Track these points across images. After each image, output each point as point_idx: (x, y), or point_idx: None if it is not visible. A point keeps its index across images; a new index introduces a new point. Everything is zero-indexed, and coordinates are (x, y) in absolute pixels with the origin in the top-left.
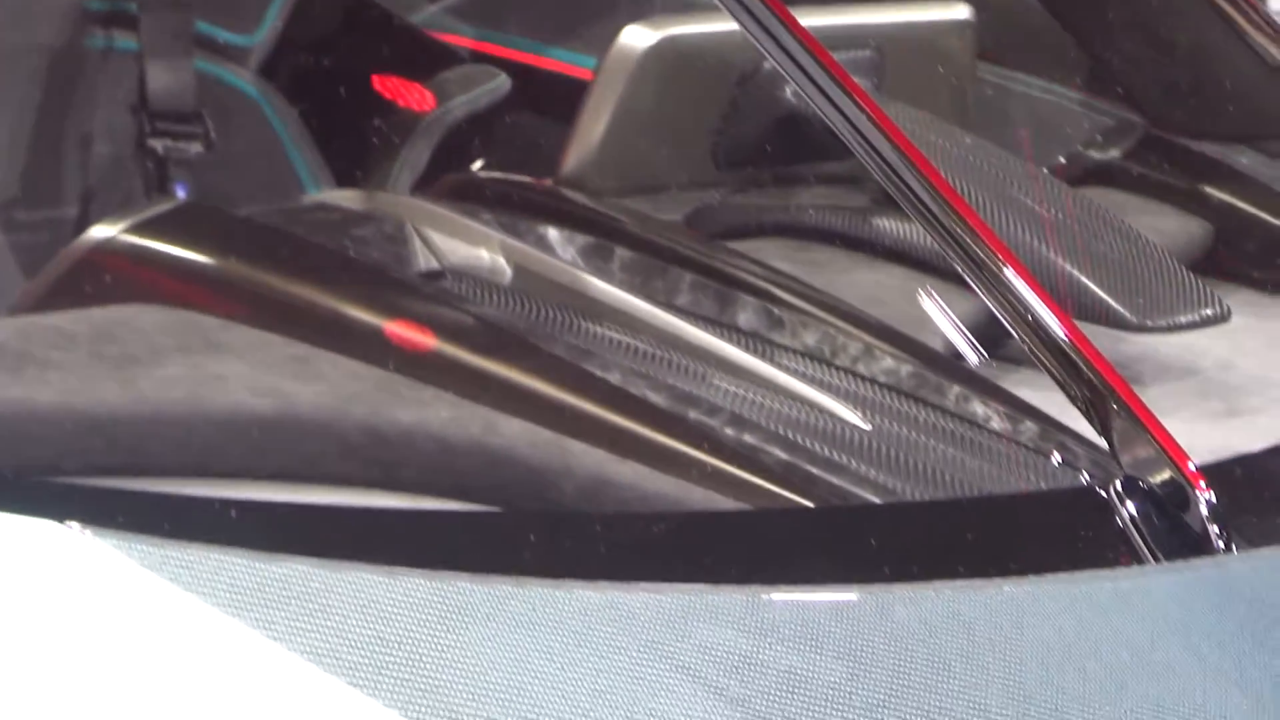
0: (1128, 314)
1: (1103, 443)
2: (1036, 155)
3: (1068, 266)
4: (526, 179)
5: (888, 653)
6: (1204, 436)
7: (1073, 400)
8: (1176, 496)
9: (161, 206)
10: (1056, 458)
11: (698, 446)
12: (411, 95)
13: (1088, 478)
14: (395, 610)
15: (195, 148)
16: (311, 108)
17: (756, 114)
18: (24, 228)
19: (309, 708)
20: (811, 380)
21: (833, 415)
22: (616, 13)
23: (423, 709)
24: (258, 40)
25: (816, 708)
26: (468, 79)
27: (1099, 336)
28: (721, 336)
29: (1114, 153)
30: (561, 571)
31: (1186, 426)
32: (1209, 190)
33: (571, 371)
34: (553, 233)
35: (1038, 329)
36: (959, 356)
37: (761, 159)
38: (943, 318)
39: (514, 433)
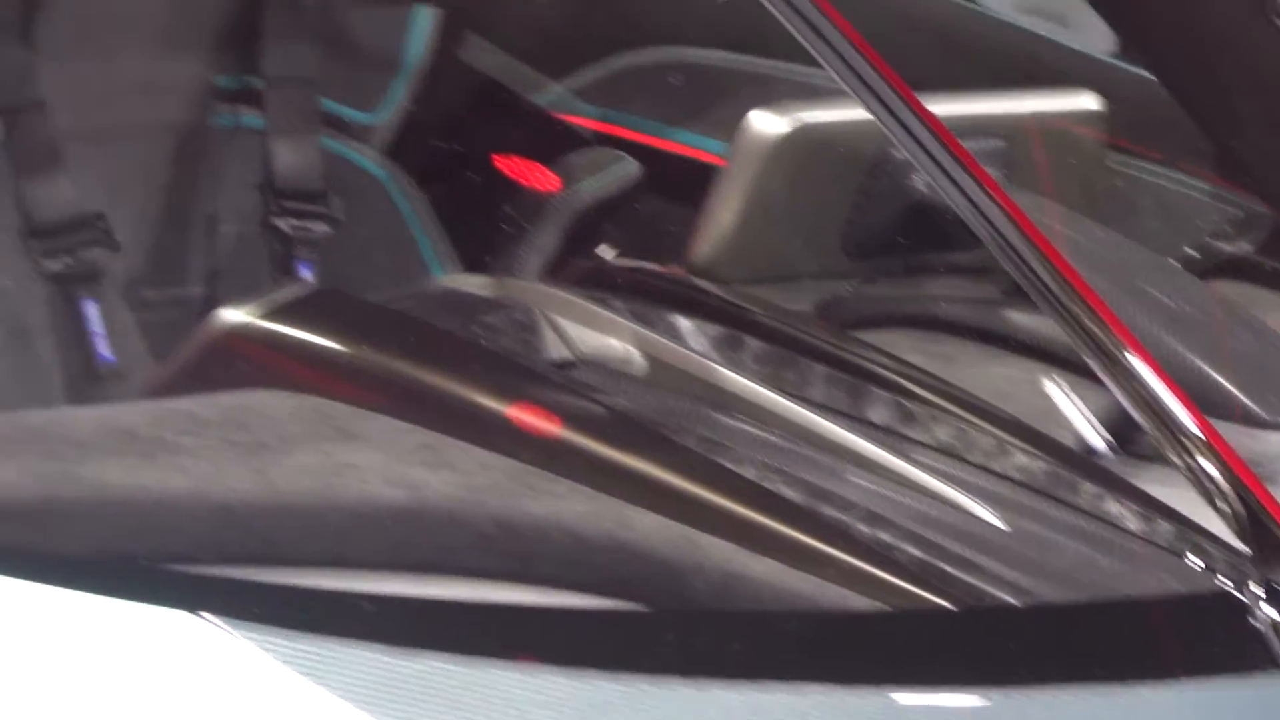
0: (1261, 410)
1: (1239, 543)
2: (1166, 246)
3: (1200, 361)
4: (656, 266)
5: None
6: None
7: (1207, 498)
8: None
9: (292, 291)
10: (1192, 559)
11: (831, 543)
12: (535, 175)
13: (1224, 580)
14: (533, 708)
15: (321, 227)
16: (436, 187)
17: (886, 202)
18: (150, 305)
19: None
20: (945, 476)
21: (967, 513)
22: (739, 94)
23: None
24: (383, 118)
25: None
26: (594, 163)
27: (1232, 433)
28: (854, 430)
29: (1244, 245)
30: (698, 671)
31: None
32: None
33: (704, 465)
34: (684, 321)
35: (1170, 424)
36: (1091, 452)
37: (892, 248)
38: (1074, 412)
39: (647, 527)
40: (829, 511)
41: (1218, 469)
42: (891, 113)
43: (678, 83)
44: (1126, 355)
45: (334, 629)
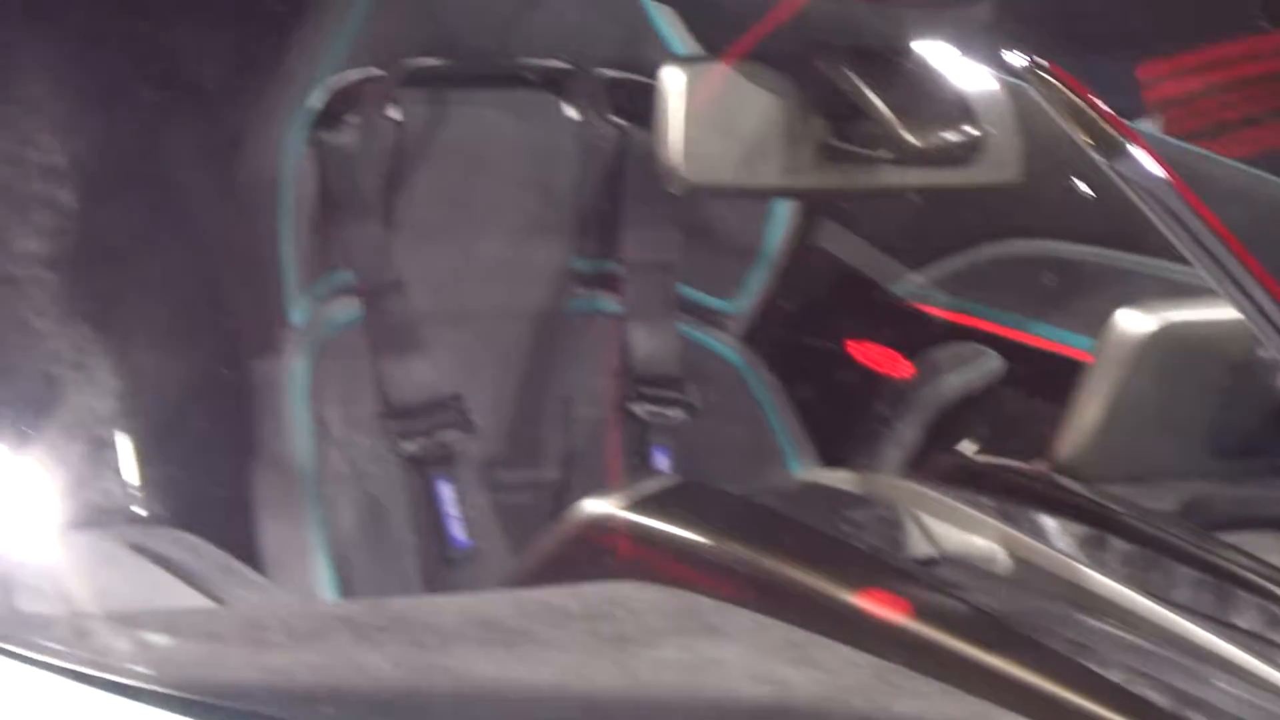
0: None
1: None
2: None
3: None
4: (1020, 464)
5: None
6: None
7: None
8: None
9: (656, 482)
10: None
11: None
12: (890, 363)
13: None
14: None
15: (677, 413)
16: (793, 376)
17: (1254, 402)
18: (506, 488)
19: None
20: None
21: None
22: (1099, 289)
23: None
24: (741, 306)
25: None
26: (958, 356)
27: None
28: (1221, 635)
29: None
30: None
31: None
32: None
33: (1069, 667)
34: (1049, 521)
35: None
36: None
37: (1259, 449)
38: None
39: None
40: (1197, 718)
41: None
42: (1263, 313)
43: (1050, 283)
44: None
45: None
